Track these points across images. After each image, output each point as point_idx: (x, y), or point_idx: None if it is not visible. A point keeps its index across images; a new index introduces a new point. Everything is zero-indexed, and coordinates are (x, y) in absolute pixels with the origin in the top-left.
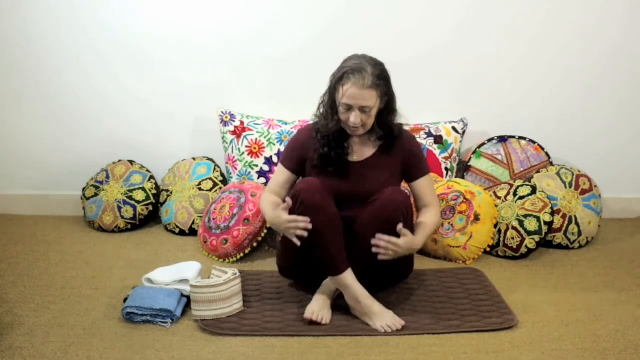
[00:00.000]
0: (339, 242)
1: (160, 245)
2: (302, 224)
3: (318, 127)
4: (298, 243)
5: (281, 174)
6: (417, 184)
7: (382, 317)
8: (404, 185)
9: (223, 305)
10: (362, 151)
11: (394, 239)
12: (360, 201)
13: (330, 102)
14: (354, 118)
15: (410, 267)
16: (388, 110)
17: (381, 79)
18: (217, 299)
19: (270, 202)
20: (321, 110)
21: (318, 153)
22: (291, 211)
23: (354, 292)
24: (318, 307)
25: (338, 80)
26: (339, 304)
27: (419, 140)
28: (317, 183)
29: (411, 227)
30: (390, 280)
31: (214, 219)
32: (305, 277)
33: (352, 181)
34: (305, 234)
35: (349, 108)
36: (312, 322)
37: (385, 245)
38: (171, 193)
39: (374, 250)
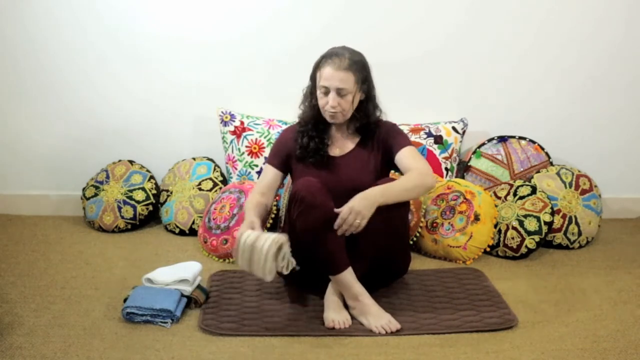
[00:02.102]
0: (338, 241)
1: (160, 245)
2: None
3: (300, 120)
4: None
5: (268, 174)
6: (398, 157)
7: (379, 317)
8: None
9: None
10: (343, 145)
11: (339, 215)
12: (347, 196)
13: (310, 89)
14: (331, 100)
15: (407, 261)
16: (368, 102)
17: (359, 65)
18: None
19: (255, 204)
20: (305, 103)
21: (298, 144)
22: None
23: (353, 290)
24: (335, 313)
25: (317, 66)
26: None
27: (418, 140)
28: (316, 182)
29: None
30: (389, 276)
31: (214, 219)
32: (303, 277)
33: (337, 175)
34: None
35: (327, 91)
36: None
37: (340, 223)
38: (171, 193)
39: (339, 232)
